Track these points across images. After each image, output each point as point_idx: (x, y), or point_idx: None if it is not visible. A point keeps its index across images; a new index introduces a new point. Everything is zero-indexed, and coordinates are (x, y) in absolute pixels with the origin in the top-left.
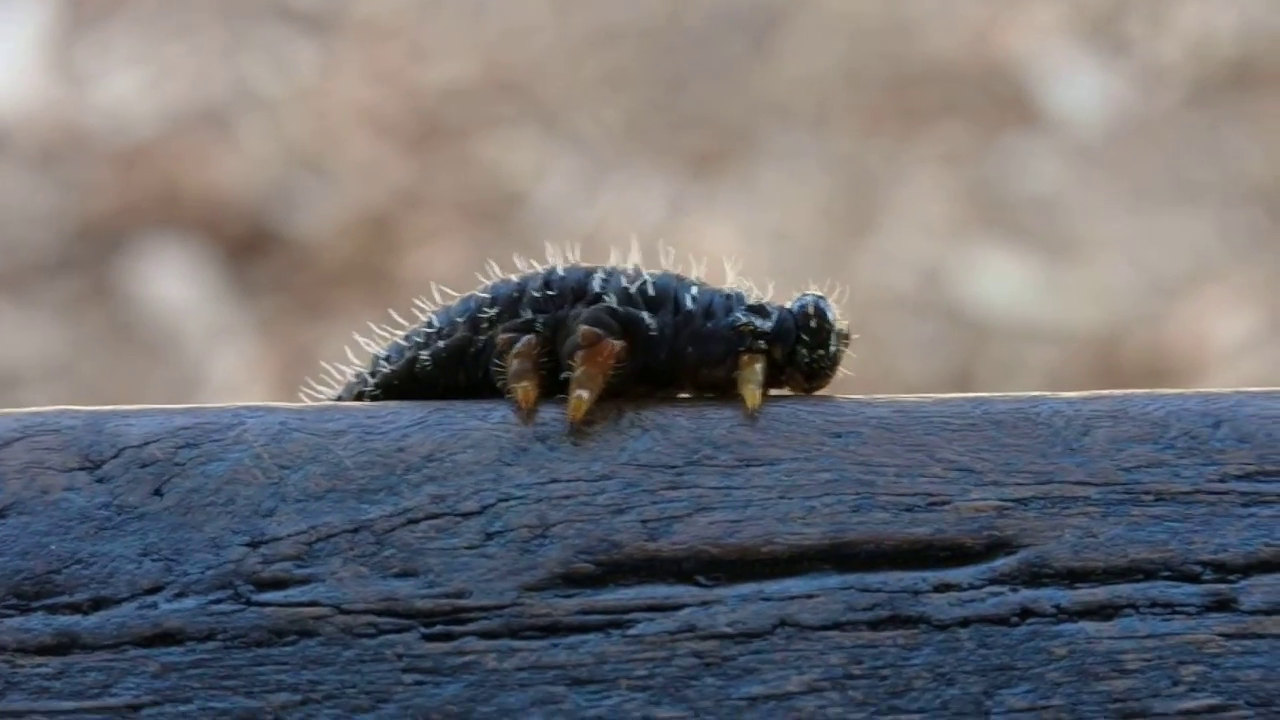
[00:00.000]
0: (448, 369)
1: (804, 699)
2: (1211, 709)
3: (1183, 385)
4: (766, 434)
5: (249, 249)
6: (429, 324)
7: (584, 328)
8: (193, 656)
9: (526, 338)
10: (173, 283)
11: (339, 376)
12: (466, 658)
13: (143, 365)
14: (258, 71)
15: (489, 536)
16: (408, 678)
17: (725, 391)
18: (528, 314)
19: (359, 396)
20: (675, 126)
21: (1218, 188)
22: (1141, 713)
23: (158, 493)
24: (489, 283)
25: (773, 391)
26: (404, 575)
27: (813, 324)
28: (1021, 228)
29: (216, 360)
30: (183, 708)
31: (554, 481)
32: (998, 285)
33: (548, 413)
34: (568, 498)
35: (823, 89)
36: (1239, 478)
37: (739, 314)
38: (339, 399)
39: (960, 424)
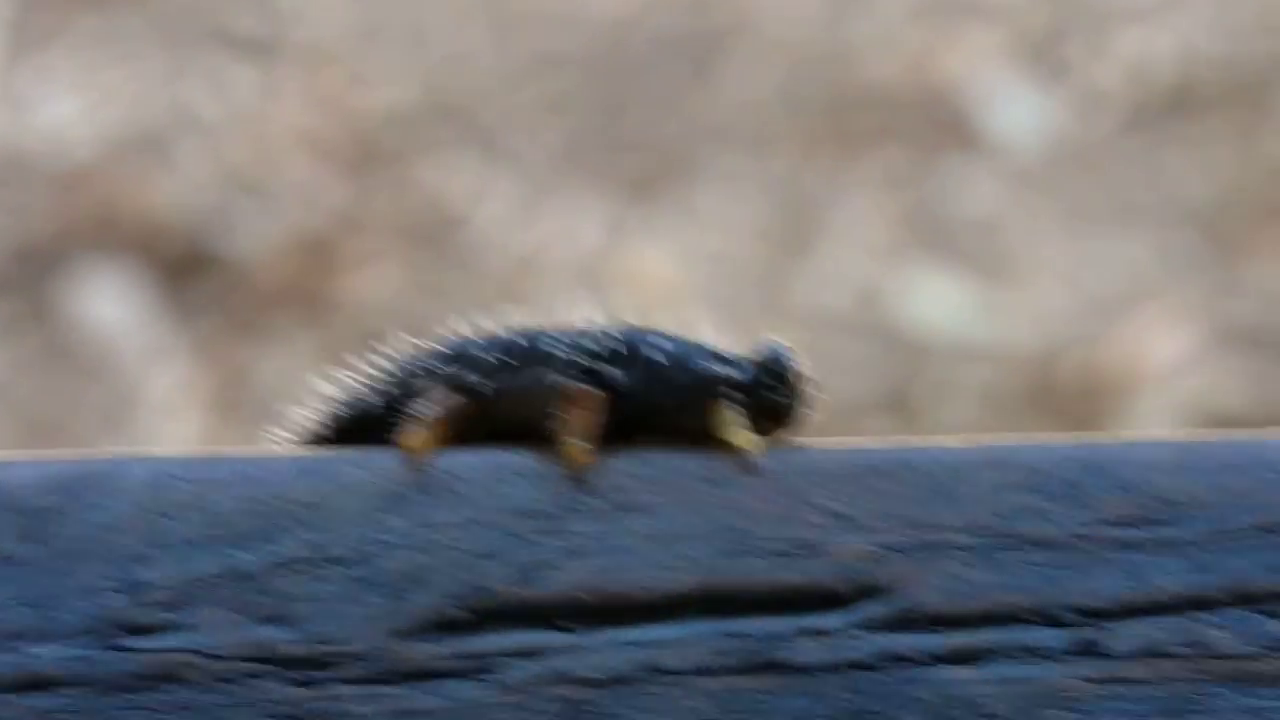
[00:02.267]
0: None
1: None
2: None
3: (1119, 405)
4: (643, 480)
5: (186, 271)
6: (391, 372)
7: (564, 382)
8: (62, 702)
9: (455, 397)
10: (109, 304)
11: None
12: (333, 704)
13: (79, 386)
14: (197, 96)
15: (362, 583)
16: None
17: (697, 440)
18: (473, 378)
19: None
20: (614, 150)
21: (1155, 211)
22: None
23: (33, 539)
24: (448, 337)
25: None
26: (275, 621)
27: (781, 370)
28: (959, 250)
29: (153, 381)
30: None
31: (429, 527)
32: (935, 307)
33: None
34: (442, 544)
35: (762, 113)
36: (1114, 524)
37: (709, 364)
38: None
39: (836, 471)
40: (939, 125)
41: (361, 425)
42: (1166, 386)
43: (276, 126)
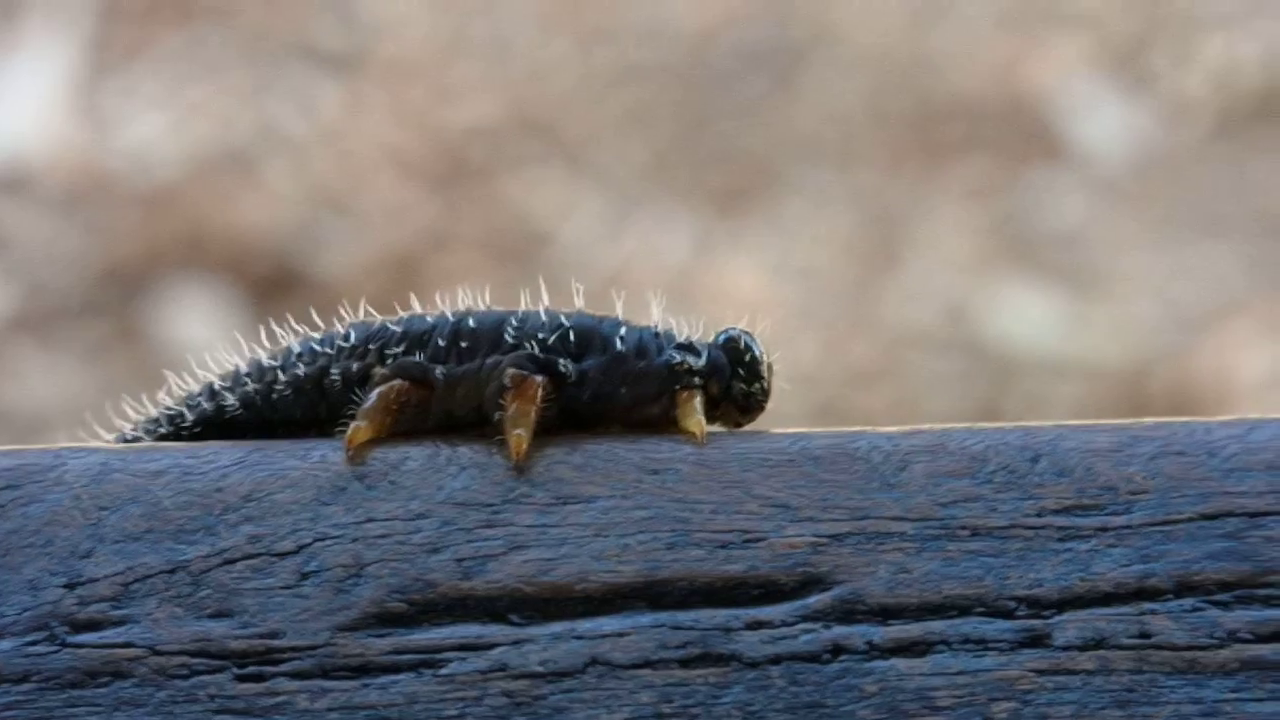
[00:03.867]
0: (350, 387)
1: None
2: None
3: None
4: (583, 471)
5: (274, 290)
6: (346, 336)
7: (511, 370)
8: (7, 698)
9: (396, 382)
10: (199, 324)
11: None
12: (278, 698)
13: None
14: (282, 112)
15: (304, 576)
16: (220, 718)
17: (659, 429)
18: (421, 359)
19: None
20: (700, 164)
21: (1243, 220)
22: None
23: None
24: (403, 314)
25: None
26: (219, 616)
27: (746, 358)
28: (1047, 263)
29: None
30: None
31: (370, 521)
32: (1023, 321)
33: (368, 453)
34: (383, 537)
35: (847, 125)
36: (1056, 511)
37: (672, 352)
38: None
39: (777, 460)
40: (1025, 136)
41: (292, 405)
42: (1259, 400)
43: (362, 143)
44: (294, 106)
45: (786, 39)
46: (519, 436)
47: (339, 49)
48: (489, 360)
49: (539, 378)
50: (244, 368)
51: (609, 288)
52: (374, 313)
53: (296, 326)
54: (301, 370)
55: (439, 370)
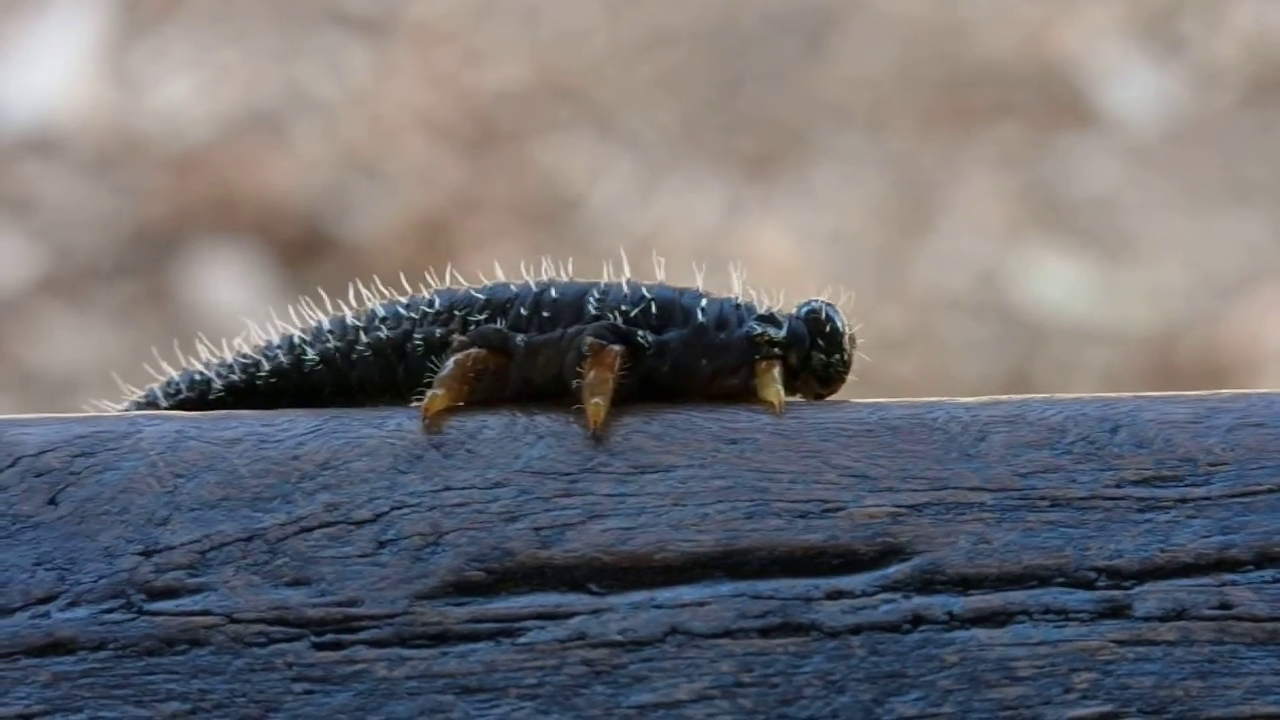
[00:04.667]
0: (430, 354)
1: (693, 707)
2: (1103, 716)
3: (1239, 385)
4: (662, 441)
5: (304, 253)
6: (430, 302)
7: (590, 339)
8: (84, 666)
9: (474, 351)
10: (228, 287)
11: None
12: (356, 666)
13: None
14: (312, 75)
15: (381, 545)
16: (297, 687)
17: (739, 399)
18: (501, 329)
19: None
20: (730, 129)
21: (1274, 187)
22: None
23: (52, 501)
24: (488, 284)
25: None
26: (296, 584)
27: (826, 329)
28: (1077, 229)
29: None
30: (73, 717)
31: (448, 489)
32: (1054, 286)
33: (445, 421)
34: (461, 505)
35: (877, 90)
36: (1136, 483)
37: (752, 324)
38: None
39: (856, 430)
40: (1055, 102)
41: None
42: None
43: (392, 106)
44: (324, 69)
45: (817, 4)
46: (597, 405)
47: (369, 12)
48: (571, 330)
49: (617, 346)
50: (326, 324)
51: (639, 253)
52: (404, 282)
53: (384, 289)
54: (384, 333)
55: (519, 338)
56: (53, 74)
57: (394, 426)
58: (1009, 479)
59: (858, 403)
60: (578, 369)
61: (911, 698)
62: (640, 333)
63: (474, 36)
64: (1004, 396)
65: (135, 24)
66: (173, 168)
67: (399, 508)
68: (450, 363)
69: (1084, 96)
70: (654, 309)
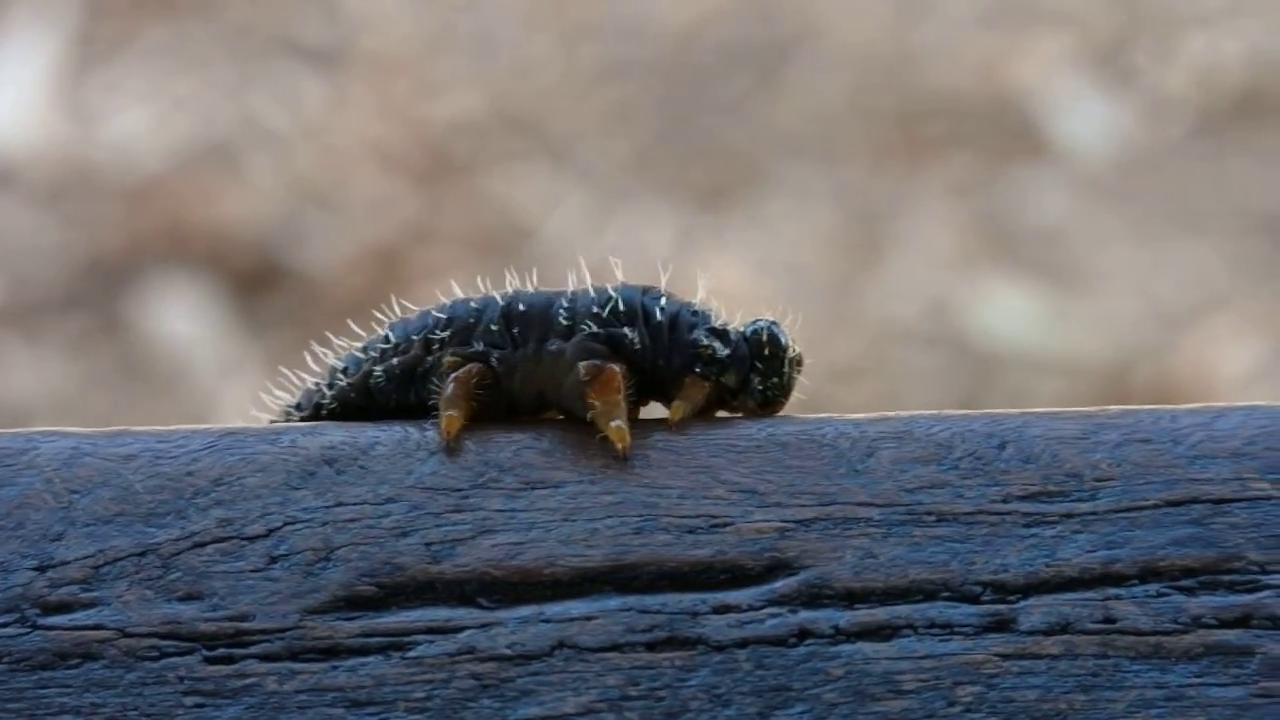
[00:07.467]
0: (400, 386)
1: None
2: None
3: None
4: (552, 457)
5: (257, 284)
6: (385, 339)
7: (584, 364)
8: None
9: (469, 366)
10: (181, 318)
11: (297, 385)
12: (247, 680)
13: (152, 400)
14: (266, 107)
15: (273, 560)
16: (189, 700)
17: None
18: (479, 346)
19: (317, 408)
20: (683, 159)
21: (1225, 218)
22: None
23: None
24: (446, 301)
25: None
26: (188, 598)
27: (766, 351)
28: (1029, 259)
29: (225, 394)
30: None
31: (340, 505)
32: (1006, 316)
33: (334, 435)
34: (353, 521)
35: (830, 121)
36: (1022, 498)
37: (700, 334)
38: (297, 407)
39: (745, 446)
40: (1007, 133)
41: (402, 379)
42: (1239, 396)
43: (345, 137)
44: (278, 101)
45: (770, 35)
46: (619, 429)
47: (323, 43)
48: (550, 346)
49: (615, 366)
50: (339, 363)
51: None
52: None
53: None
54: (396, 360)
55: (494, 356)
56: (6, 105)
57: (288, 443)
58: (896, 494)
59: (747, 419)
60: (583, 397)
61: (797, 711)
62: (626, 331)
63: (427, 68)
64: (892, 413)
65: (89, 56)
66: (126, 199)
67: (291, 523)
68: (450, 383)
69: (1036, 127)
70: (620, 308)
